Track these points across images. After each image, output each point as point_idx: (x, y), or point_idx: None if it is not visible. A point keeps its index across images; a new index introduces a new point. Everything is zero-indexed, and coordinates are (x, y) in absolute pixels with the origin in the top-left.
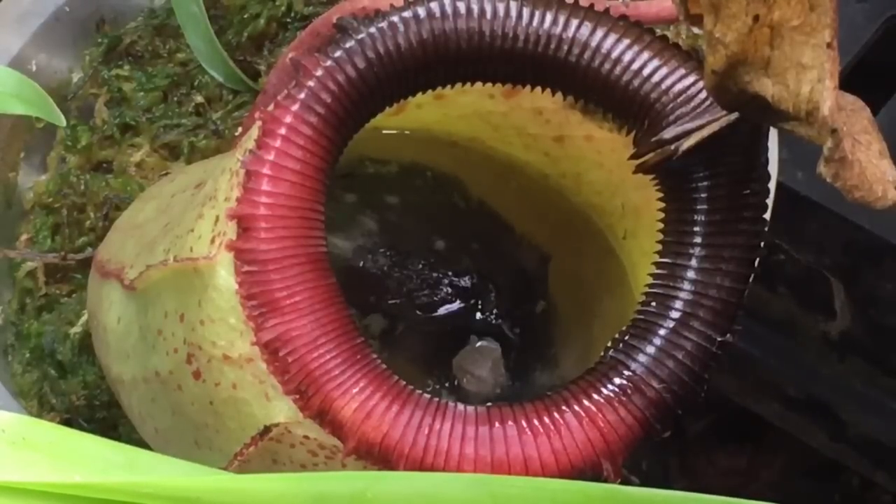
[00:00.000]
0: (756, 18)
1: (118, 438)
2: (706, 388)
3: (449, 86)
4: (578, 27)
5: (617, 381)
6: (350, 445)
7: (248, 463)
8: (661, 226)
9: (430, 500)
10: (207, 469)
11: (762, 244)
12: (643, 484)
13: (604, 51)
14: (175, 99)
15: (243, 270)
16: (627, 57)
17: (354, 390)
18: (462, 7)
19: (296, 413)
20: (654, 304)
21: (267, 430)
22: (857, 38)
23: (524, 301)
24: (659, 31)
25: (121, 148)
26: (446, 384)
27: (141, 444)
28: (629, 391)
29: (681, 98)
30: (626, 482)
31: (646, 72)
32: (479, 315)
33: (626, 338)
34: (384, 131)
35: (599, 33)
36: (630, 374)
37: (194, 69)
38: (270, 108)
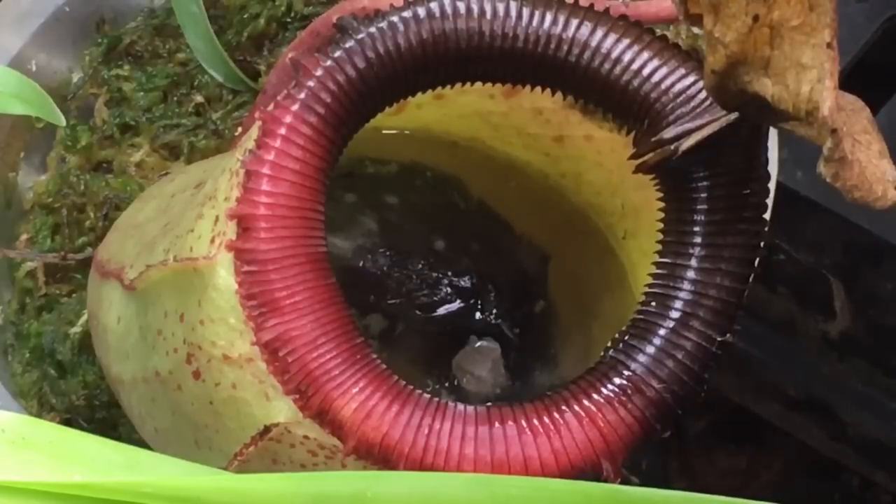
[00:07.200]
0: (756, 18)
1: (118, 438)
2: (706, 388)
3: (449, 86)
4: (578, 27)
5: (617, 381)
6: (350, 445)
7: (248, 463)
8: (661, 226)
9: (430, 500)
10: (207, 469)
11: (762, 244)
12: (643, 484)
13: (604, 51)
14: (175, 99)
15: (243, 270)
16: (627, 57)
17: (354, 390)
18: (462, 7)
19: (296, 413)
20: (654, 304)
21: (267, 430)
22: (857, 38)
23: (524, 301)
24: (659, 31)
25: (121, 148)
26: (446, 384)
27: (141, 444)
28: (629, 391)
29: (681, 98)
30: (626, 482)
31: (646, 72)
32: (478, 315)
33: (626, 338)
34: (384, 131)
35: (599, 33)
36: (630, 374)
37: (194, 69)
38: (270, 108)
